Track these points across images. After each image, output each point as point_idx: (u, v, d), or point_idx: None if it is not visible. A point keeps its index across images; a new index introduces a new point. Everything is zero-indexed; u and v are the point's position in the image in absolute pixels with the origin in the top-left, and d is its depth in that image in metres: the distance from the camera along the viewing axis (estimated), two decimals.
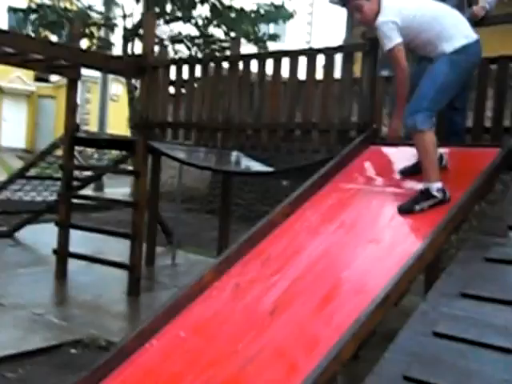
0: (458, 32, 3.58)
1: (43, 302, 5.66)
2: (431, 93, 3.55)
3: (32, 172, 8.82)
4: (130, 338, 3.11)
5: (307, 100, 5.39)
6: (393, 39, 3.59)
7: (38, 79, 20.20)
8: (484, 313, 2.70)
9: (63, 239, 6.51)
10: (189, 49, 13.56)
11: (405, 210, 3.48)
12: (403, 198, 3.69)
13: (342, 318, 2.83)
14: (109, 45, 13.93)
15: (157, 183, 7.49)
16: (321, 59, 5.29)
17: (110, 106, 17.21)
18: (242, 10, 13.20)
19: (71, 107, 6.73)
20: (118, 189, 12.86)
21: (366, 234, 3.52)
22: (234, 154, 6.70)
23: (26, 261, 7.49)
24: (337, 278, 3.25)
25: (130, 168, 6.98)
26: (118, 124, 17.20)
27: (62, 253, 6.49)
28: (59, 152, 7.77)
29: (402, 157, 4.23)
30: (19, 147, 22.62)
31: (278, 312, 3.04)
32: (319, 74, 5.40)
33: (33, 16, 13.53)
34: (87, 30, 13.08)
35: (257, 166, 6.66)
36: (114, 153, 8.97)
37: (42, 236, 8.03)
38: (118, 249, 6.54)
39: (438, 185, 3.47)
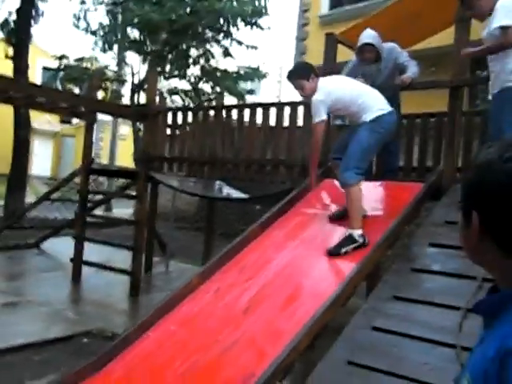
0: (375, 106, 3.64)
1: (62, 300, 5.54)
2: (357, 154, 3.55)
3: (55, 195, 8.69)
4: (131, 330, 3.07)
5: (276, 141, 5.45)
6: (318, 116, 3.64)
7: (62, 121, 20.11)
8: (411, 312, 2.74)
9: (78, 250, 6.40)
10: (183, 100, 13.65)
11: (333, 254, 3.35)
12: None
13: (302, 314, 2.84)
14: (119, 96, 13.93)
15: (155, 205, 7.44)
16: (287, 110, 5.38)
17: (118, 143, 17.10)
18: (225, 70, 13.37)
19: (88, 144, 6.69)
20: (124, 209, 12.71)
21: (321, 249, 3.55)
22: (218, 183, 6.70)
23: (49, 267, 7.33)
24: (298, 283, 3.26)
25: (133, 193, 6.94)
26: (125, 158, 17.05)
27: (77, 261, 6.38)
28: (77, 180, 7.69)
29: None
30: (46, 175, 22.33)
31: (251, 310, 3.04)
32: (286, 122, 5.48)
33: (61, 73, 13.59)
34: (103, 84, 13.09)
35: (236, 194, 6.67)
36: (121, 181, 8.91)
37: (62, 247, 7.87)
38: (122, 258, 6.44)
39: (360, 231, 3.37)
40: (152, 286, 6.64)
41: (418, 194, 3.76)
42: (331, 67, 4.85)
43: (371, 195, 4.20)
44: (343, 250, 3.32)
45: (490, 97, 3.54)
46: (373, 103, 3.65)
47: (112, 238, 8.05)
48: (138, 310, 5.54)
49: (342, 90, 3.71)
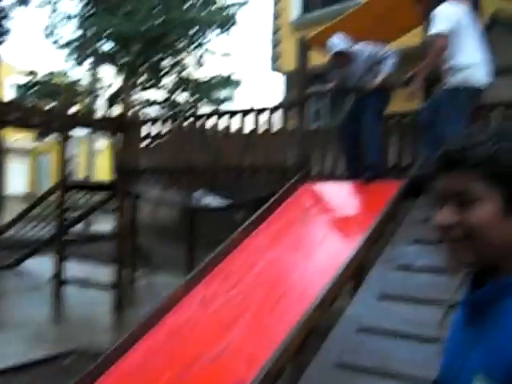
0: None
1: (43, 321, 5.42)
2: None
3: (33, 212, 8.52)
4: (113, 348, 3.01)
5: (254, 148, 5.44)
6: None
7: (37, 138, 19.84)
8: (396, 311, 2.75)
9: (58, 268, 6.28)
10: (162, 108, 13.66)
11: None
12: (334, 222, 3.75)
13: (290, 318, 2.82)
14: (92, 110, 13.85)
15: (135, 218, 7.35)
16: (264, 116, 5.38)
17: (95, 157, 16.88)
18: (198, 80, 13.42)
19: (63, 160, 6.58)
20: (104, 224, 12.54)
21: (303, 252, 3.55)
22: (198, 192, 6.65)
23: (29, 287, 7.17)
24: (284, 287, 3.25)
25: (113, 207, 6.84)
26: (103, 172, 16.90)
27: (58, 279, 6.25)
28: (55, 196, 7.55)
29: (331, 191, 4.33)
30: (22, 193, 21.99)
31: (238, 317, 3.01)
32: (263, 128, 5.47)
33: (32, 90, 13.49)
34: (75, 99, 13.01)
35: (216, 202, 6.62)
36: (100, 196, 8.78)
37: (42, 266, 7.71)
38: (105, 274, 6.34)
39: None
40: (136, 300, 6.54)
41: (397, 193, 3.79)
42: (304, 71, 4.88)
43: (352, 195, 4.23)
44: None
45: None
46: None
47: (93, 254, 7.93)
48: (123, 325, 5.44)
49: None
